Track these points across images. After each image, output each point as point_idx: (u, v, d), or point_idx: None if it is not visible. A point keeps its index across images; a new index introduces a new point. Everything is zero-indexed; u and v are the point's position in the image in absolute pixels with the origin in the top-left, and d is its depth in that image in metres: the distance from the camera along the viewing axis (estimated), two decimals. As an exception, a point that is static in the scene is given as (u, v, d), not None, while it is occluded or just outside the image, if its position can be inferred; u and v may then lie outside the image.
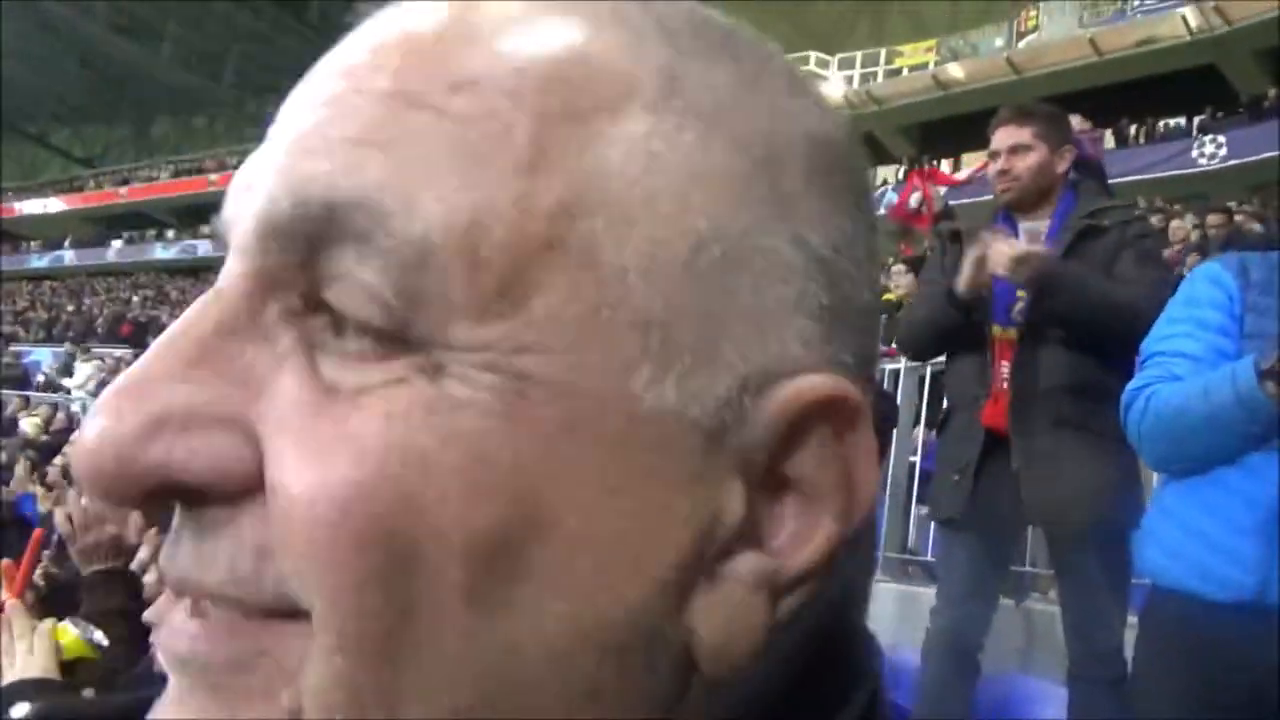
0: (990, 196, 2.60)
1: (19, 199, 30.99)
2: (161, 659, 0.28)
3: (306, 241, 0.26)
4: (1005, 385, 2.33)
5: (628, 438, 0.26)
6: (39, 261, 29.80)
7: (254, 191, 0.27)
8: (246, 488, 0.26)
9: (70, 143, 36.75)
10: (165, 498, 0.26)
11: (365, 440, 0.24)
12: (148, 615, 0.30)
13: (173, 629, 0.27)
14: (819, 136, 0.30)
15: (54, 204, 31.34)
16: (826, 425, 0.28)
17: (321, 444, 0.25)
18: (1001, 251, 2.22)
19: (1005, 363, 2.33)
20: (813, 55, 19.82)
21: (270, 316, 0.27)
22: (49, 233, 31.08)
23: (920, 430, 4.18)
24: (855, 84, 19.58)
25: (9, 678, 1.25)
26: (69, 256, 29.60)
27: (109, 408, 0.26)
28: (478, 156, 0.25)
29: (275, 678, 0.26)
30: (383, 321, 0.25)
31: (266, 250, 0.27)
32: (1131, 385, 1.62)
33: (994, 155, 2.44)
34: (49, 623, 1.33)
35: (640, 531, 0.26)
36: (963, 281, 2.29)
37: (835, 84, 19.63)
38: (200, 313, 0.27)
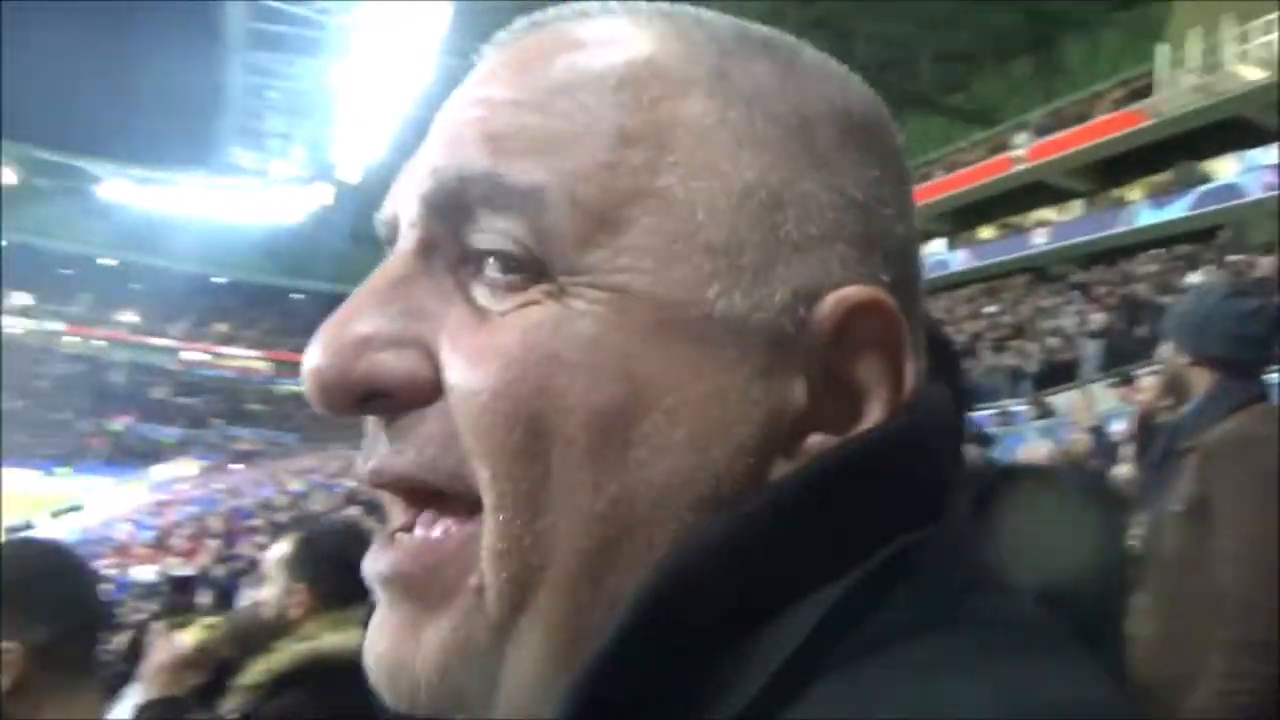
0: None
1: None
2: (370, 582, 0.38)
3: (455, 210, 0.37)
4: None
5: (706, 335, 0.36)
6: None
7: (415, 183, 0.39)
8: (428, 395, 0.36)
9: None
10: (370, 404, 0.37)
11: (511, 348, 0.35)
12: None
13: (375, 555, 0.38)
14: (844, 108, 0.40)
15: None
16: (868, 328, 0.37)
17: (481, 353, 0.35)
18: None
19: None
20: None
21: (437, 267, 0.38)
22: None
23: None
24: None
25: None
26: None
27: (324, 338, 0.37)
28: (575, 138, 0.36)
29: (462, 571, 0.36)
30: (521, 253, 0.36)
31: (429, 220, 0.38)
32: None
33: None
34: None
35: (722, 409, 0.36)
36: None
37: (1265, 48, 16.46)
38: (386, 269, 0.38)
